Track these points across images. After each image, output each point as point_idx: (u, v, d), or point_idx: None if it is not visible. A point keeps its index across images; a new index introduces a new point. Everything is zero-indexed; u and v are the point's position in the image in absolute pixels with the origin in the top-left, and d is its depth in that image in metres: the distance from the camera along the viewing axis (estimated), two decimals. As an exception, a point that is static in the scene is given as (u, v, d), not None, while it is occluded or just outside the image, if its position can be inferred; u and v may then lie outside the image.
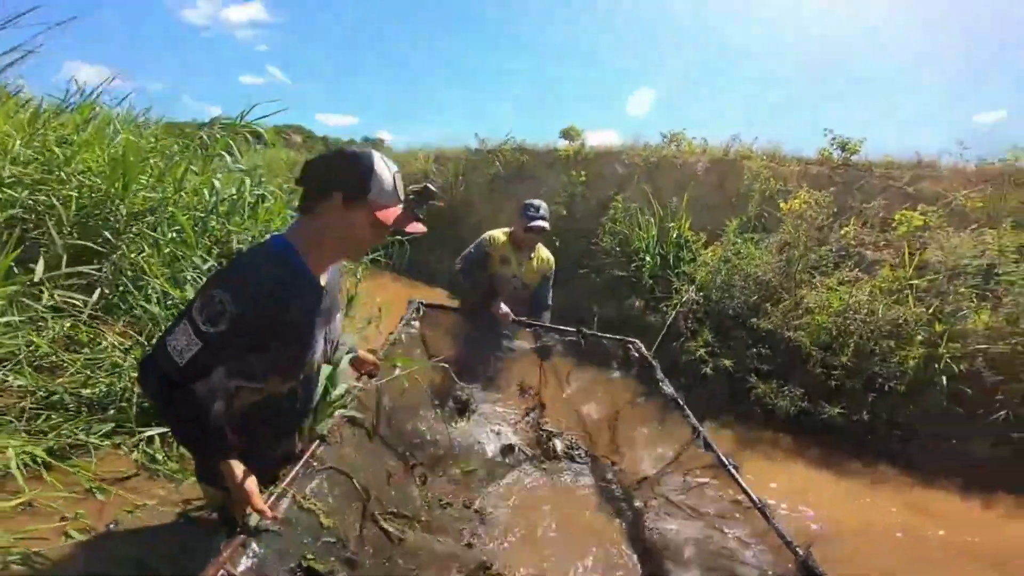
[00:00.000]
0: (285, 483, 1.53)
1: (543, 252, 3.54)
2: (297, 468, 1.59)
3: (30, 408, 2.32)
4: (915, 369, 4.08)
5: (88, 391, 2.52)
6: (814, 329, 4.46)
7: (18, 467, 2.02)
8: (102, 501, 2.20)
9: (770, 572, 1.92)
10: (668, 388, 2.84)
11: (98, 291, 2.86)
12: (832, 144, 6.92)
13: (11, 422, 2.23)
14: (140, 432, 2.42)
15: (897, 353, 4.18)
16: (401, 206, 1.43)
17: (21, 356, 2.43)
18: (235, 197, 3.86)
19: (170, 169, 3.57)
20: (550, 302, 3.56)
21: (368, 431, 2.16)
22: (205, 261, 3.28)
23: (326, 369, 1.73)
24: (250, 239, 3.64)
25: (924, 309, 4.38)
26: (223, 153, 4.07)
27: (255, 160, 5.17)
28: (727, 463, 2.28)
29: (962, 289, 4.43)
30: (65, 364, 2.57)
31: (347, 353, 1.94)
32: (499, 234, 3.45)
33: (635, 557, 2.30)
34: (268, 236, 1.44)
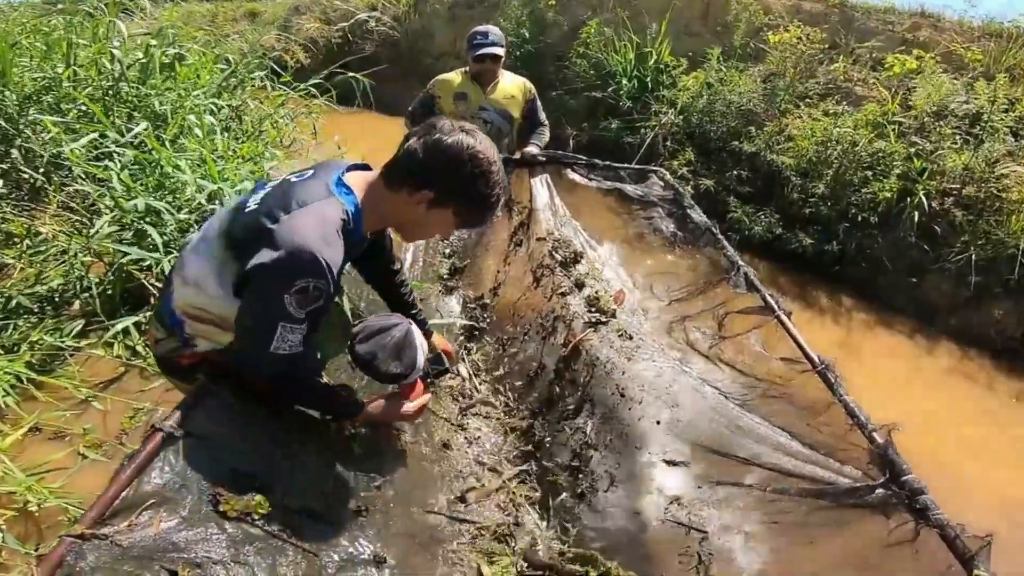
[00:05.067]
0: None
1: (511, 77, 2.97)
2: None
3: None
4: (889, 202, 3.87)
5: (43, 288, 2.32)
6: (795, 154, 4.13)
7: (6, 392, 1.89)
8: (102, 410, 2.06)
9: (833, 461, 1.43)
10: (699, 215, 2.37)
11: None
12: (830, -15, 6.34)
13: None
14: (112, 325, 2.20)
15: (873, 185, 3.94)
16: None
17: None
18: (144, 61, 3.37)
19: (53, 46, 3.24)
20: (544, 120, 3.03)
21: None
22: (128, 130, 2.87)
23: None
24: (176, 98, 3.33)
25: (905, 145, 4.12)
26: (115, 20, 3.39)
27: (172, 16, 4.65)
28: (776, 308, 1.78)
29: (947, 130, 4.16)
30: (10, 264, 2.36)
31: None
32: (450, 74, 2.89)
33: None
34: (335, 188, 1.20)
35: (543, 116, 3.04)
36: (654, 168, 2.75)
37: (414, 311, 1.62)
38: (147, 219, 2.41)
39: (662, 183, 2.67)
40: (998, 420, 3.02)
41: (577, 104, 5.48)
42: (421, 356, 1.38)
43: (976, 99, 4.41)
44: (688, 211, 2.45)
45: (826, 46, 5.24)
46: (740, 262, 2.07)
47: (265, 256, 1.06)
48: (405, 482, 1.44)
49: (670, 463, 1.54)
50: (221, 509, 1.08)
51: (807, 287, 3.79)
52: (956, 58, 5.10)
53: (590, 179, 2.75)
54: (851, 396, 1.46)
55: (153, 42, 3.40)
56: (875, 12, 6.11)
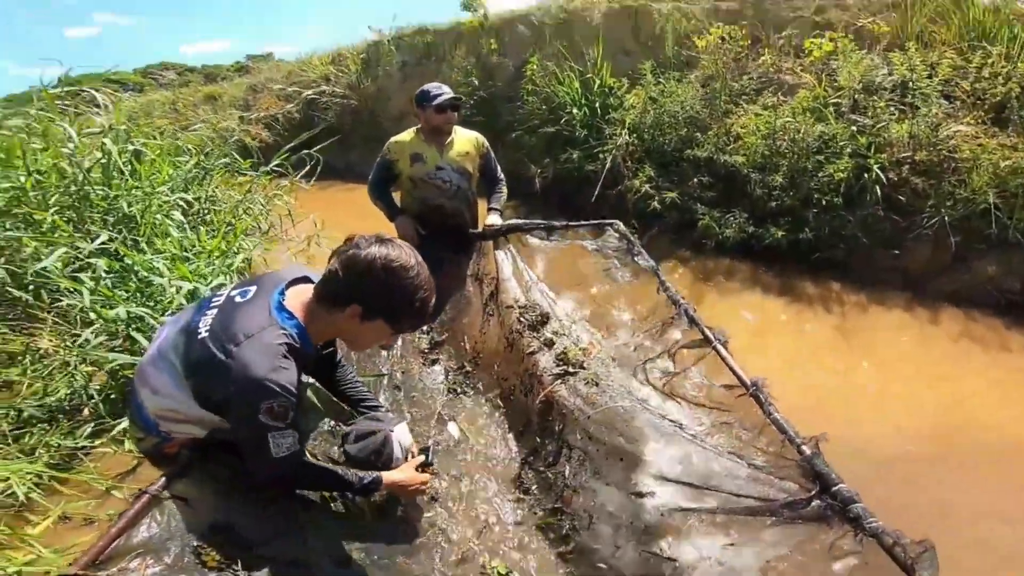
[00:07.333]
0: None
1: (464, 132, 2.80)
2: None
3: (9, 432, 2.13)
4: (847, 181, 3.74)
5: (51, 399, 2.26)
6: (747, 152, 4.01)
7: (30, 488, 1.90)
8: (122, 499, 2.00)
9: (775, 479, 1.43)
10: (645, 260, 2.41)
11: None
12: (736, -21, 6.22)
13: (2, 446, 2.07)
14: (116, 424, 2.17)
15: (827, 167, 3.81)
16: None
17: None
18: (103, 161, 3.14)
19: (11, 153, 2.98)
20: (500, 176, 2.89)
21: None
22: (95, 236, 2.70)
23: None
24: (141, 196, 3.13)
25: (846, 125, 3.99)
26: (60, 123, 3.19)
27: (132, 106, 4.33)
28: (713, 339, 1.85)
29: (880, 103, 4.04)
30: (15, 380, 2.32)
31: None
32: (403, 135, 2.72)
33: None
34: (276, 314, 1.22)
35: (499, 171, 2.91)
36: (610, 222, 2.75)
37: (365, 403, 1.68)
38: (132, 325, 2.37)
39: (617, 234, 2.69)
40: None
41: (536, 141, 5.32)
42: (398, 454, 1.51)
43: (897, 69, 4.27)
44: (635, 258, 2.51)
45: (749, 41, 5.16)
46: (681, 301, 2.10)
47: (228, 389, 1.13)
48: (392, 537, 1.46)
49: (638, 495, 1.53)
50: (203, 559, 1.13)
51: (791, 279, 3.64)
52: (867, 32, 5.00)
53: (550, 240, 2.75)
54: (781, 414, 1.50)
55: (106, 141, 3.19)
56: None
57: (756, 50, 5.10)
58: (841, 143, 3.88)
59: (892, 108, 4.00)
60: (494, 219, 2.71)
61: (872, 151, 3.78)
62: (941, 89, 4.08)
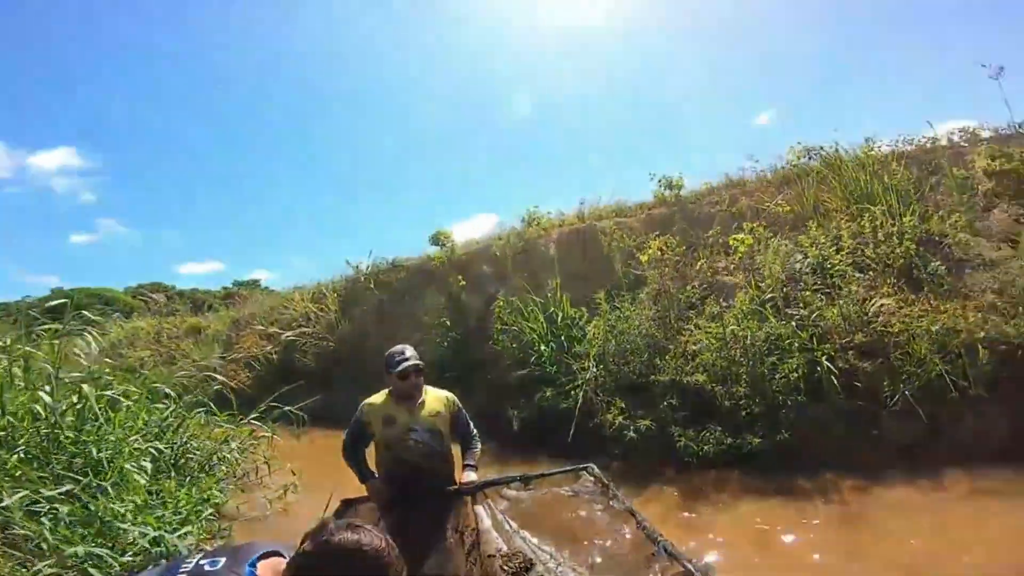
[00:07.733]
0: None
1: (434, 392, 2.93)
2: None
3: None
4: (804, 378, 3.95)
5: None
6: (707, 368, 4.30)
7: None
8: None
9: None
10: (619, 504, 2.57)
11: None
12: (660, 185, 7.19)
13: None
14: None
15: (782, 368, 4.05)
16: None
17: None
18: (78, 406, 3.28)
19: None
20: (473, 431, 2.96)
21: None
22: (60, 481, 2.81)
23: None
24: (113, 442, 3.21)
25: (785, 322, 4.31)
26: (46, 364, 3.45)
27: (118, 334, 4.68)
28: (695, 571, 2.04)
29: (806, 292, 4.45)
30: None
31: None
32: (374, 397, 2.86)
33: None
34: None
35: (472, 427, 2.96)
36: (584, 466, 2.86)
37: None
38: (88, 562, 2.43)
39: (592, 478, 2.80)
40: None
41: (511, 383, 5.55)
42: None
43: (809, 251, 4.80)
44: (611, 501, 2.63)
45: (684, 247, 5.76)
46: (659, 538, 2.25)
47: None
48: None
49: None
50: None
51: (783, 478, 3.62)
52: (774, 215, 5.66)
53: (527, 490, 2.82)
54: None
55: (85, 387, 3.28)
56: (701, 196, 6.90)
57: (692, 255, 5.67)
58: (787, 341, 4.16)
59: (819, 294, 4.39)
60: (470, 475, 2.77)
61: (816, 343, 4.04)
62: (852, 262, 4.53)
